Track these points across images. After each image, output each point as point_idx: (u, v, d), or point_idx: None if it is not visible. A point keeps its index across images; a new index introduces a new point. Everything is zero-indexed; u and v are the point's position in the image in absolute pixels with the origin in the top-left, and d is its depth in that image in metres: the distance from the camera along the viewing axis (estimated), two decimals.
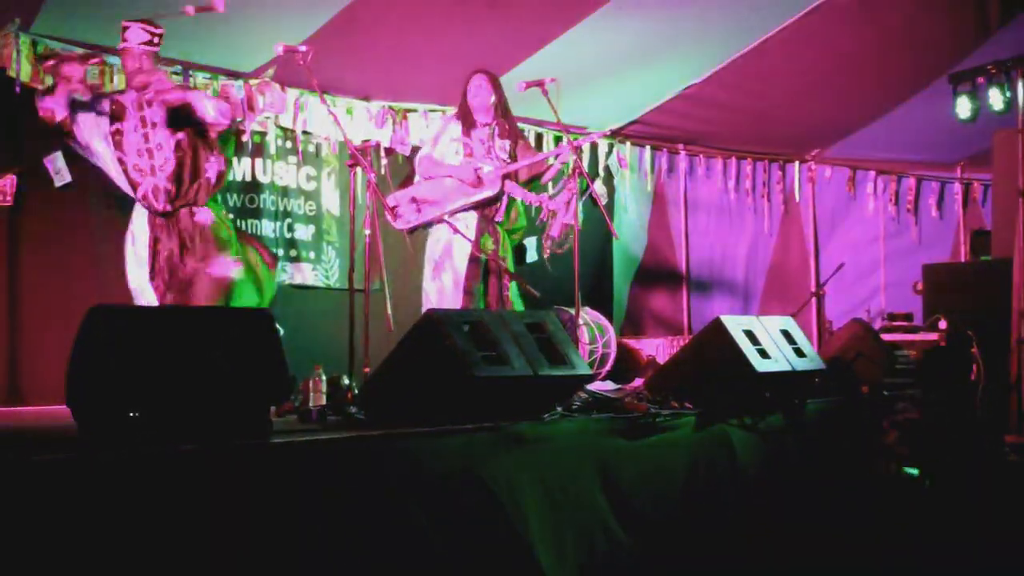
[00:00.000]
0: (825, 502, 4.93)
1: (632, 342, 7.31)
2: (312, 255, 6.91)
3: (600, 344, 6.65)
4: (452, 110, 5.91)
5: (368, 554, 3.26)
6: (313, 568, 3.13)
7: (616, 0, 6.20)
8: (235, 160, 6.35)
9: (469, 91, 5.64)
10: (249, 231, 6.48)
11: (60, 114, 4.84)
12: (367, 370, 4.82)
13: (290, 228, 6.82)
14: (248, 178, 6.64)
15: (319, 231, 6.95)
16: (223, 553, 2.95)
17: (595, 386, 5.18)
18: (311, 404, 4.20)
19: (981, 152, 8.07)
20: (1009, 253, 6.31)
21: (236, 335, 3.41)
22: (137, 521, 2.81)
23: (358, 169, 5.13)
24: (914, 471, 5.27)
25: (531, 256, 5.99)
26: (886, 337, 6.41)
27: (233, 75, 6.29)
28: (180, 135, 4.95)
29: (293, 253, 6.82)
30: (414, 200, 5.59)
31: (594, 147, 8.00)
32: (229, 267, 5.01)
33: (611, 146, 8.15)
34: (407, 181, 5.94)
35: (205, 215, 5.03)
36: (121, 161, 4.92)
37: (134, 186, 4.94)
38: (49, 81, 4.99)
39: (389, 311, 5.03)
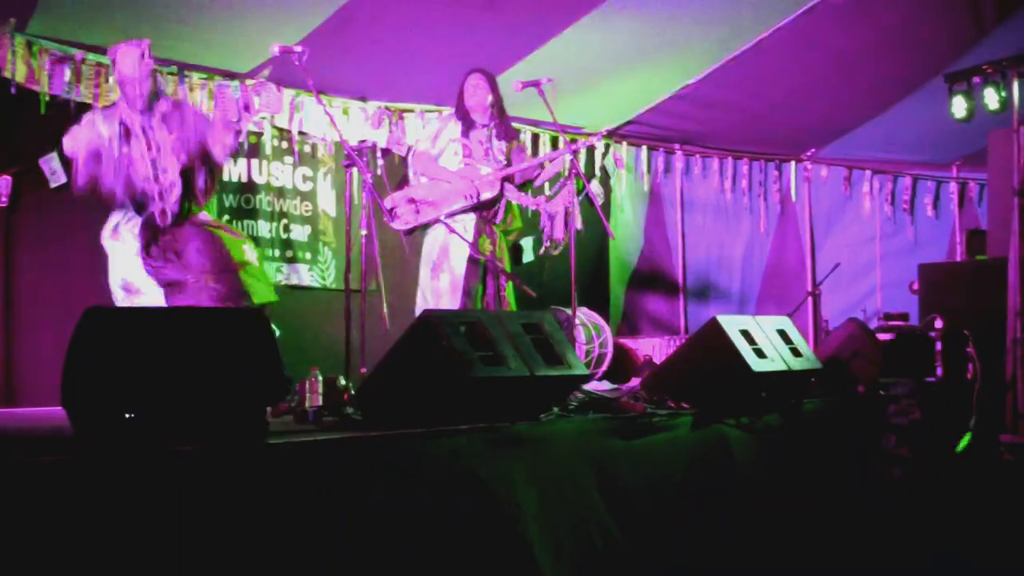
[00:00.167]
0: (822, 501, 4.93)
1: (628, 342, 7.30)
2: (308, 256, 6.90)
3: (597, 344, 6.65)
4: (449, 111, 5.90)
5: (366, 555, 3.26)
6: (310, 569, 3.13)
7: (612, 0, 6.21)
8: (231, 161, 6.34)
9: (466, 91, 5.61)
10: (245, 232, 6.47)
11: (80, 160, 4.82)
12: (363, 371, 4.82)
13: (286, 229, 6.81)
14: (244, 179, 6.63)
15: (315, 232, 6.94)
16: (219, 554, 2.94)
17: (592, 386, 5.18)
18: (307, 405, 4.18)
19: (977, 152, 8.08)
20: (1005, 253, 6.30)
21: (232, 336, 3.40)
22: (132, 523, 2.81)
23: (354, 169, 5.13)
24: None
25: (527, 257, 5.99)
26: (881, 337, 6.41)
27: (229, 76, 6.28)
28: (184, 159, 4.92)
29: (289, 254, 6.81)
30: (412, 201, 5.58)
31: (590, 148, 7.99)
32: (241, 240, 5.05)
33: (607, 146, 8.15)
34: (403, 182, 5.95)
35: (203, 215, 5.07)
36: (128, 185, 4.87)
37: (139, 209, 4.91)
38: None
39: (386, 311, 5.03)
